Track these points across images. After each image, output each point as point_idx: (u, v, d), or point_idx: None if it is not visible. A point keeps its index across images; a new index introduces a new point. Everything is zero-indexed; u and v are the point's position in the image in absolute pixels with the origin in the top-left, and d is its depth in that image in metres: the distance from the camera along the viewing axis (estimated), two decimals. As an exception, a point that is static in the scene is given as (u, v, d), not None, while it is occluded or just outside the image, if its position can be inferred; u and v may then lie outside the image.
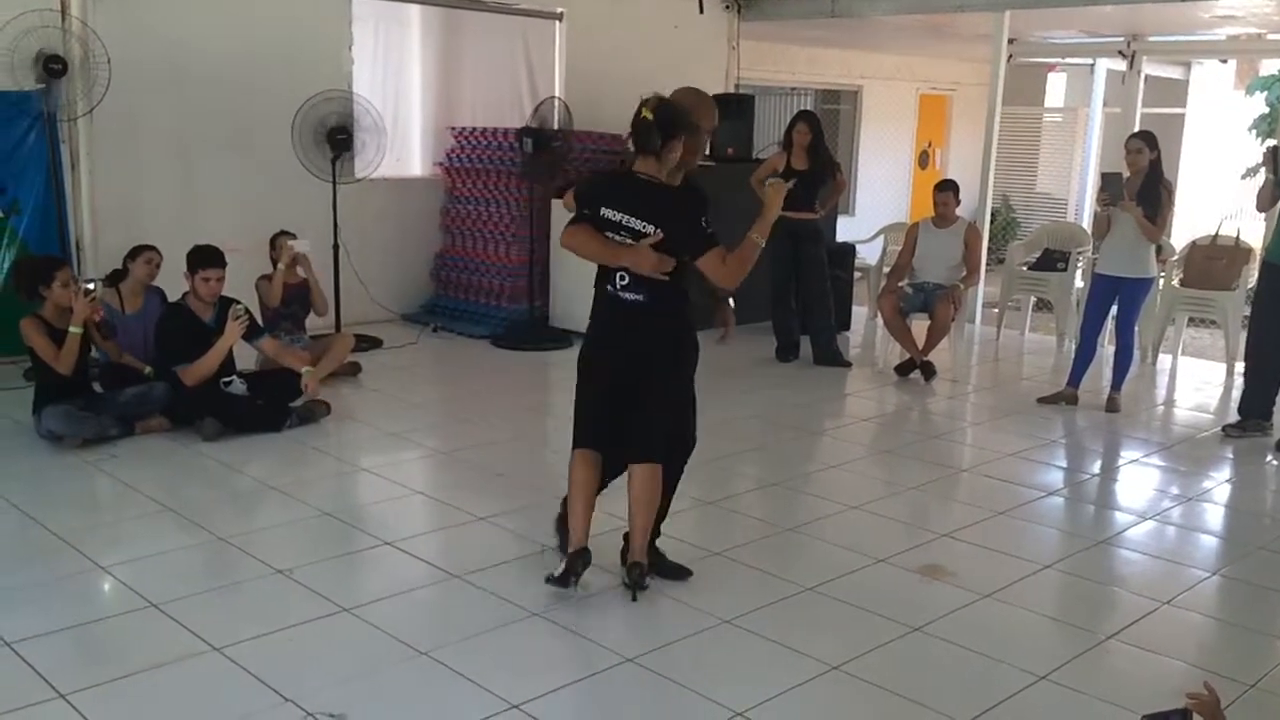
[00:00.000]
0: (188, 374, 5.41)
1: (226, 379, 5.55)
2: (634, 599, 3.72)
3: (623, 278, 3.64)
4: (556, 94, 8.71)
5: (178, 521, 4.36)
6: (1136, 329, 6.67)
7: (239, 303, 5.60)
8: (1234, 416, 6.15)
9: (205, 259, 5.52)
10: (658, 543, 3.92)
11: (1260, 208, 6.13)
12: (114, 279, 5.88)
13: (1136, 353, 6.91)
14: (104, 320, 5.41)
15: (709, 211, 3.64)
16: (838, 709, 3.15)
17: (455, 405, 6.59)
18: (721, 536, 4.37)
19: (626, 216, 3.61)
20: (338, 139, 7.09)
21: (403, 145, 8.50)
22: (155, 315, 5.74)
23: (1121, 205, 6.15)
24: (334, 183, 7.21)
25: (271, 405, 5.58)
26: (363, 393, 6.48)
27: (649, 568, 3.80)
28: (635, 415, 3.72)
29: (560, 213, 8.02)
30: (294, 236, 6.44)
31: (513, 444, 5.61)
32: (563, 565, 3.73)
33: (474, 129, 8.37)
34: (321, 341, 6.59)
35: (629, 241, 3.60)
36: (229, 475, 4.96)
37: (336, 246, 7.30)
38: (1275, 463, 5.71)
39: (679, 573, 3.92)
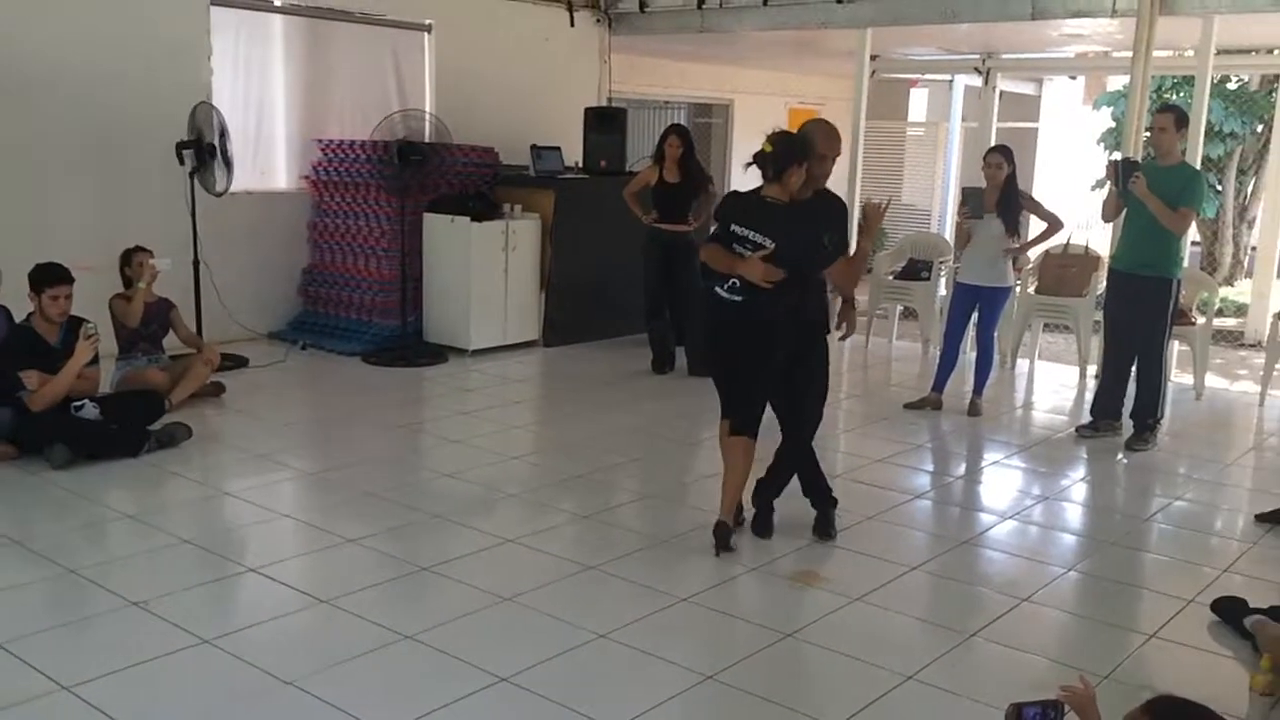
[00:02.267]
0: (34, 398, 5.15)
1: (77, 402, 5.29)
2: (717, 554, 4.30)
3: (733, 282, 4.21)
4: (427, 106, 8.61)
5: (24, 555, 4.12)
6: (996, 335, 6.92)
7: (89, 322, 5.36)
8: (1088, 417, 6.43)
9: (51, 276, 5.27)
10: (776, 501, 4.64)
11: (1106, 218, 6.43)
12: (-48, 300, 5.55)
13: (996, 358, 7.17)
14: None
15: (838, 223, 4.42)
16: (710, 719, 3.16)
17: (325, 425, 6.42)
18: (599, 550, 4.36)
19: (752, 232, 4.16)
20: (213, 149, 6.87)
21: (267, 158, 8.28)
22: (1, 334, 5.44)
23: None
24: (193, 197, 6.97)
25: (127, 429, 5.33)
26: (227, 414, 6.26)
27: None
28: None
29: (433, 226, 7.95)
30: (150, 253, 6.19)
31: (385, 464, 5.49)
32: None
33: (341, 141, 8.19)
34: (181, 361, 6.35)
35: (747, 253, 4.16)
36: (81, 504, 4.72)
37: (197, 263, 7.05)
38: (1125, 461, 5.99)
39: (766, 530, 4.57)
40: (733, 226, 4.22)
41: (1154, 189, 5.76)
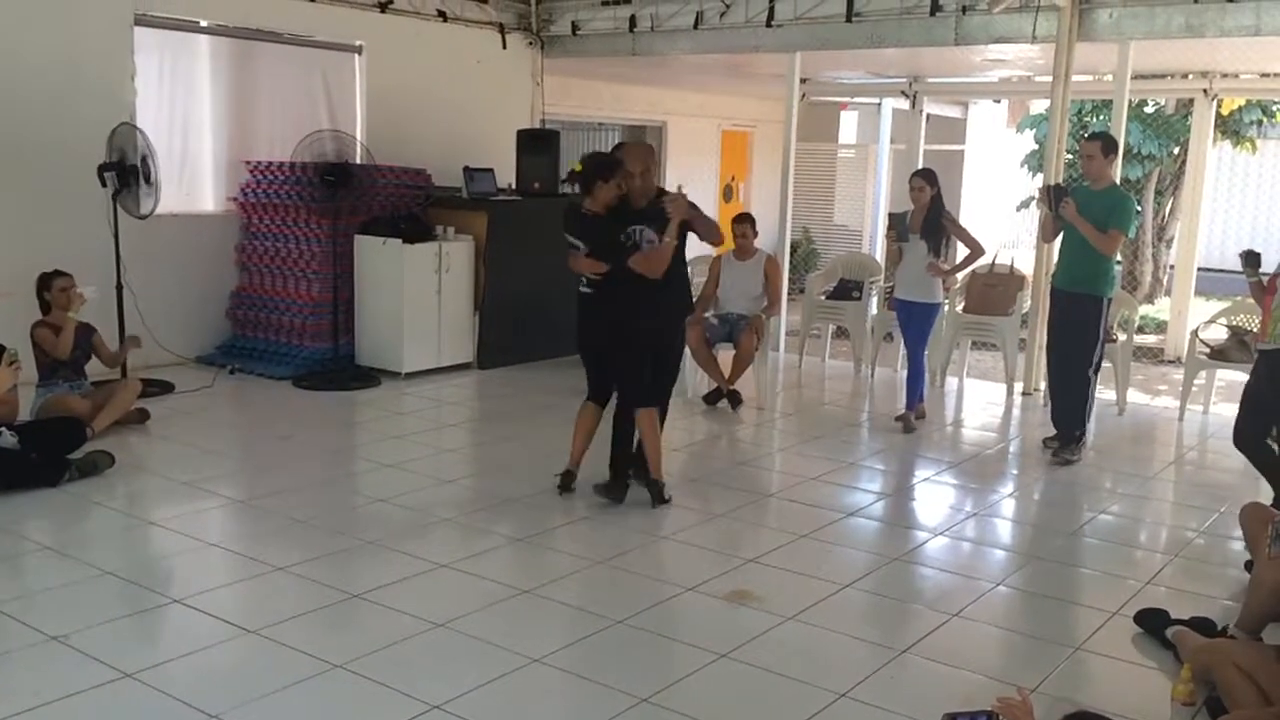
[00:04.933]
0: (-51, 428, 4.99)
1: (-7, 431, 5.14)
2: (654, 506, 5.14)
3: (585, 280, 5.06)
4: (358, 128, 8.55)
5: (-64, 590, 3.99)
6: (926, 352, 7.03)
7: (11, 349, 5.20)
8: (1018, 433, 6.54)
9: (-34, 303, 5.11)
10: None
11: (1045, 239, 6.65)
12: None
13: (926, 375, 7.27)
14: None
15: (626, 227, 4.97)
16: (648, 742, 3.15)
17: (254, 451, 6.30)
18: (534, 574, 4.34)
19: (575, 239, 5.01)
20: (136, 171, 6.72)
21: (193, 179, 8.13)
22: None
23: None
24: (115, 220, 6.82)
25: (47, 458, 5.18)
26: (151, 441, 6.12)
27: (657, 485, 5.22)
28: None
29: (365, 248, 7.88)
30: (71, 278, 6.04)
31: (315, 490, 5.40)
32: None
33: (270, 163, 8.08)
34: (105, 388, 6.21)
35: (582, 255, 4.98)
36: (-3, 536, 4.58)
37: (120, 287, 6.89)
38: (1051, 459, 6.11)
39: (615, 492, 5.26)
40: (566, 236, 5.07)
41: (1085, 212, 5.93)
